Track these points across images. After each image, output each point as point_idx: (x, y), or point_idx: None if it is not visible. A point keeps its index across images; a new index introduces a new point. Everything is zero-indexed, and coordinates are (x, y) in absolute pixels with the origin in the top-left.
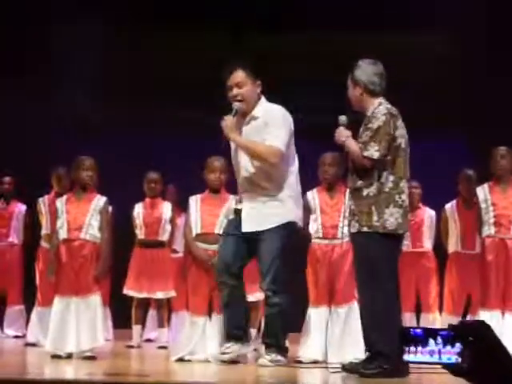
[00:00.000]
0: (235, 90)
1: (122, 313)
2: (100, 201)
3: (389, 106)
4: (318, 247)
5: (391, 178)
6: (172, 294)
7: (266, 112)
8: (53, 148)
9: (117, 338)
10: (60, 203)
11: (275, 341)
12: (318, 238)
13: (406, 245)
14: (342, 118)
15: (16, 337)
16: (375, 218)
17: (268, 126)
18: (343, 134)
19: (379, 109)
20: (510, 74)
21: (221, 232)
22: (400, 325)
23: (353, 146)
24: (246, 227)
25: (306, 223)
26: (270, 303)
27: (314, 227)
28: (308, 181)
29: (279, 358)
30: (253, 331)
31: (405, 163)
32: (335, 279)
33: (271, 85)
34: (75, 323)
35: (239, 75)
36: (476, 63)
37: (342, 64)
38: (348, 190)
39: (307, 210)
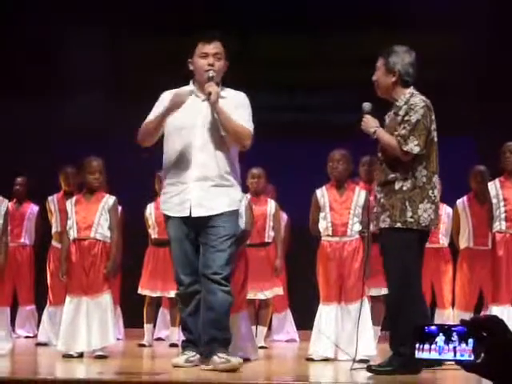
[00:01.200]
0: (211, 59)
1: (133, 311)
2: (109, 200)
3: (423, 97)
4: (328, 245)
5: (424, 172)
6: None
7: (234, 95)
8: (63, 149)
9: (128, 336)
10: (70, 204)
11: (224, 335)
12: (328, 235)
13: None
14: (367, 106)
15: (27, 337)
16: (409, 213)
17: (238, 108)
18: (372, 123)
19: (415, 100)
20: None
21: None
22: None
23: (387, 137)
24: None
25: (316, 221)
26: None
27: (323, 225)
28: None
29: (232, 359)
30: (264, 329)
31: (436, 157)
32: (345, 276)
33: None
34: (86, 323)
35: (219, 47)
36: (478, 62)
37: (345, 63)
38: (377, 182)
39: (316, 208)
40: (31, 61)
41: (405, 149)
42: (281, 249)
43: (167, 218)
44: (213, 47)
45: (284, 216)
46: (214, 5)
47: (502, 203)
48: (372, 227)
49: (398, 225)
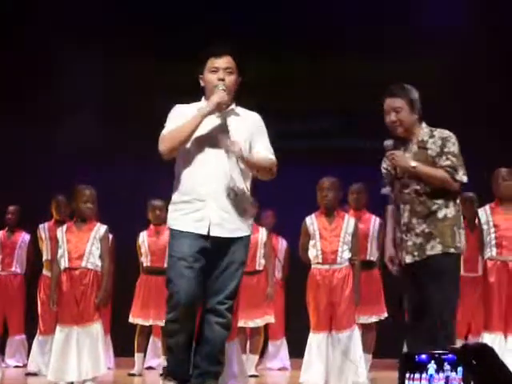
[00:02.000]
0: (222, 74)
1: (123, 340)
2: (100, 229)
3: (441, 129)
4: (318, 272)
5: (458, 200)
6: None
7: (253, 116)
8: (55, 175)
9: (118, 366)
10: (60, 232)
11: (217, 368)
12: (318, 263)
13: None
14: (389, 143)
15: (17, 366)
16: (458, 238)
17: (260, 136)
18: (406, 158)
19: (445, 132)
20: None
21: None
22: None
23: (430, 169)
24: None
25: (306, 248)
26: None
27: (313, 252)
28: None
29: None
30: (255, 358)
31: None
32: (335, 304)
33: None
34: (77, 352)
35: (230, 61)
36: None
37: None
38: (415, 214)
39: (306, 236)
40: (24, 85)
41: (457, 178)
42: (272, 276)
43: (176, 233)
44: (223, 61)
45: (283, 242)
46: (212, 31)
47: (492, 229)
48: (409, 259)
49: (452, 250)
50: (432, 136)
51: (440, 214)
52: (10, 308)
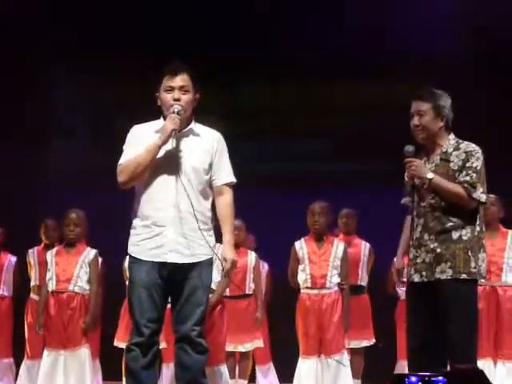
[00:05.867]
0: (177, 94)
1: (112, 364)
2: (90, 253)
3: (473, 144)
4: (307, 297)
5: (479, 221)
6: (163, 345)
7: (213, 135)
8: (44, 199)
9: None
10: (50, 255)
11: None
12: (307, 287)
13: None
14: (410, 149)
15: None
16: (473, 264)
17: (221, 155)
18: (424, 169)
19: (472, 146)
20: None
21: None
22: None
23: (447, 183)
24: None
25: (295, 273)
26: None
27: (302, 277)
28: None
29: None
30: (243, 382)
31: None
32: (325, 329)
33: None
34: (64, 377)
35: (185, 79)
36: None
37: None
38: (431, 230)
39: (295, 260)
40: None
41: (474, 196)
42: (261, 301)
43: (134, 261)
44: (179, 79)
45: (265, 266)
46: (199, 52)
47: None
48: (417, 278)
49: (464, 276)
50: (457, 149)
51: (454, 235)
52: None
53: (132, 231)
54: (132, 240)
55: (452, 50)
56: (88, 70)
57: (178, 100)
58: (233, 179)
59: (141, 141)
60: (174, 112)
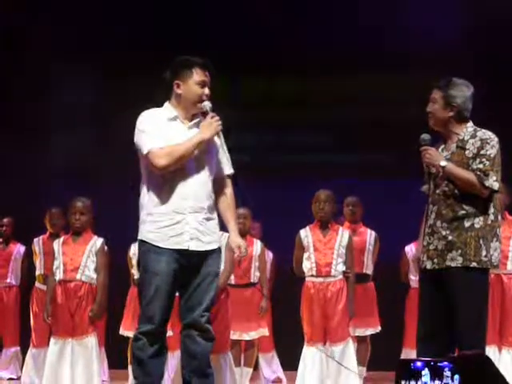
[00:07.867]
0: (207, 90)
1: (118, 352)
2: (97, 242)
3: (490, 132)
4: (312, 285)
5: (493, 209)
6: (169, 333)
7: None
8: (53, 190)
9: (112, 378)
10: (57, 244)
11: (206, 382)
12: (312, 275)
13: None
14: (426, 137)
15: (11, 379)
16: (484, 252)
17: (223, 148)
18: (439, 156)
19: (488, 134)
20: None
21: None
22: None
23: (461, 171)
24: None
25: (300, 261)
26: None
27: (307, 265)
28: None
29: None
30: (249, 370)
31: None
32: (330, 317)
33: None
34: (71, 365)
35: (210, 76)
36: None
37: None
38: (441, 217)
39: (300, 248)
40: (20, 98)
41: (486, 184)
42: (266, 289)
43: (151, 249)
44: (209, 75)
45: (270, 254)
46: (202, 44)
47: None
48: (429, 265)
49: (474, 264)
50: (474, 136)
51: (467, 223)
52: (5, 320)
53: (148, 218)
54: (148, 227)
55: (452, 49)
56: (88, 68)
57: (207, 95)
58: (232, 170)
59: (159, 126)
60: (207, 110)
